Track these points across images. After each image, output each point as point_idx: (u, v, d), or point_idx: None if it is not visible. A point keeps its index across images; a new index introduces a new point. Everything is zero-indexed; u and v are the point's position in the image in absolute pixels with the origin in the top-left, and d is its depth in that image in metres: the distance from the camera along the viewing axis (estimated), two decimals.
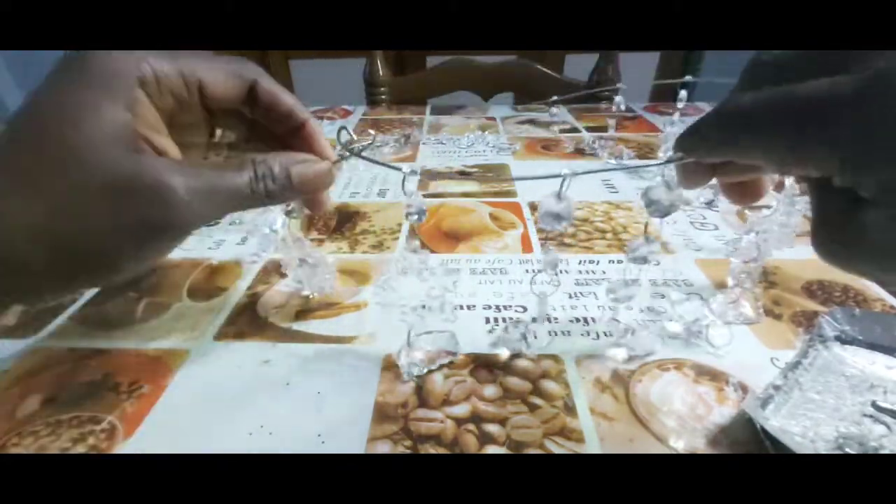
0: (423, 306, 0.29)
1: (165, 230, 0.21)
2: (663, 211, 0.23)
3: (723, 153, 0.18)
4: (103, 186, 0.19)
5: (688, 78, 0.52)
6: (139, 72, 0.20)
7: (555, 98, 0.60)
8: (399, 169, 0.23)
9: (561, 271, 0.37)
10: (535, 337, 0.30)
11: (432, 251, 0.40)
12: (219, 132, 0.26)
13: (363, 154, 0.25)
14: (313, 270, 0.33)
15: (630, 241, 0.26)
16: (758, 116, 0.16)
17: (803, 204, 0.34)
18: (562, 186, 0.22)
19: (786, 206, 0.34)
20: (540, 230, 0.43)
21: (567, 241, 0.41)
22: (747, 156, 0.18)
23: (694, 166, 0.21)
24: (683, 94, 0.52)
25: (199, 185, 0.20)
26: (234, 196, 0.22)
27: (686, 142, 0.20)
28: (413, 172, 0.23)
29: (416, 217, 0.25)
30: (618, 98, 0.57)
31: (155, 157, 0.21)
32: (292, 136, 0.26)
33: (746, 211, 0.43)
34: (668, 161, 0.21)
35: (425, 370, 0.27)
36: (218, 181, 0.21)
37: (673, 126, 0.54)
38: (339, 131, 0.26)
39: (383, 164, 0.25)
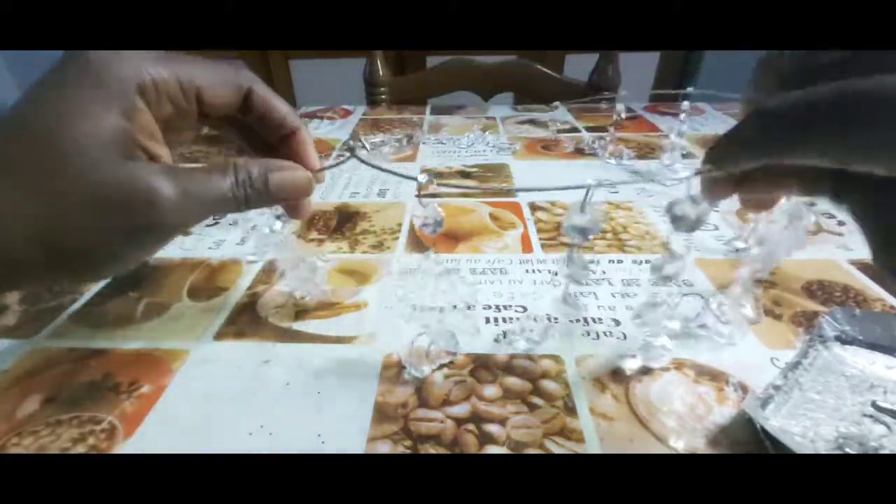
0: (441, 309, 0.29)
1: (153, 232, 0.21)
2: (690, 226, 0.22)
3: (771, 156, 0.17)
4: (94, 190, 0.19)
5: (690, 90, 0.52)
6: (139, 79, 0.20)
7: (556, 104, 0.60)
8: (414, 178, 0.23)
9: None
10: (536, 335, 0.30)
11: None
12: (205, 129, 0.27)
13: (374, 162, 0.25)
14: (305, 273, 0.33)
15: (653, 259, 0.25)
16: (823, 112, 0.15)
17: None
18: (586, 197, 0.22)
19: (792, 218, 0.33)
20: (546, 235, 0.43)
21: (567, 241, 0.41)
22: (802, 156, 0.16)
23: (719, 179, 0.20)
24: (686, 104, 0.52)
25: (186, 190, 0.21)
26: (218, 201, 0.22)
27: (720, 152, 0.19)
28: (430, 180, 0.23)
29: (431, 230, 0.24)
30: (619, 106, 0.58)
31: (146, 165, 0.21)
32: (283, 142, 0.26)
33: (749, 215, 0.43)
34: (697, 174, 0.20)
35: (428, 371, 0.27)
36: (203, 186, 0.22)
37: (681, 137, 0.53)
38: (350, 136, 0.26)
39: (398, 174, 0.24)
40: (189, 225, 0.22)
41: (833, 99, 0.15)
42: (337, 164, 0.28)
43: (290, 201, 0.26)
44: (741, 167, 0.19)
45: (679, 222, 0.22)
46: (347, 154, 0.26)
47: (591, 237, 0.23)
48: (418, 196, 0.23)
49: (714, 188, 0.21)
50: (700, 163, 0.20)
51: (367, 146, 0.25)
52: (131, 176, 0.20)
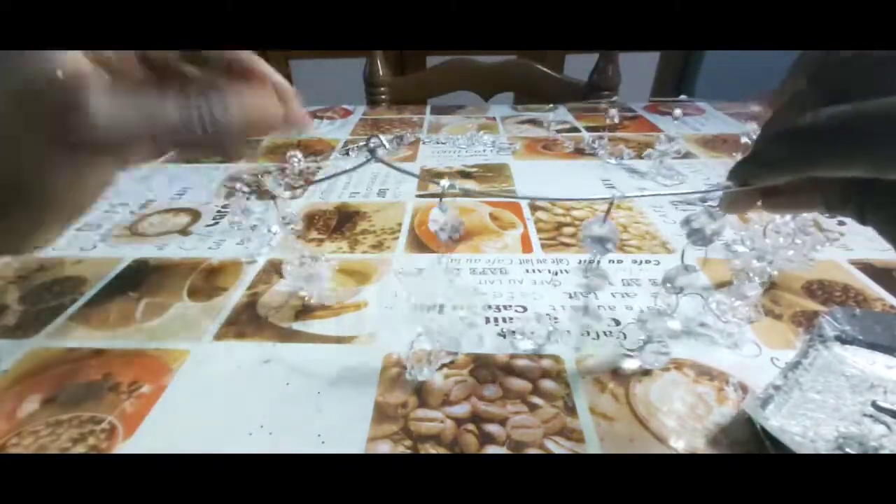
0: (441, 309, 0.28)
1: (76, 132, 0.18)
2: (706, 240, 0.22)
3: (801, 171, 0.17)
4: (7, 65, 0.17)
5: (682, 97, 0.56)
6: None
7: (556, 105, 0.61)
8: (438, 186, 0.22)
9: (561, 271, 0.37)
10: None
11: (433, 251, 0.40)
12: None
13: (388, 160, 0.24)
14: (310, 274, 0.33)
15: (667, 270, 0.25)
16: (873, 125, 0.15)
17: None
18: (609, 210, 0.22)
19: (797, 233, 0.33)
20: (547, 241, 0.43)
21: (567, 241, 0.41)
22: (843, 168, 0.16)
23: (743, 194, 0.21)
24: (679, 112, 0.56)
25: (122, 94, 0.18)
26: (161, 119, 0.19)
27: (745, 169, 0.19)
28: (452, 186, 0.22)
29: (447, 235, 0.23)
30: (612, 112, 0.58)
31: (77, 55, 0.18)
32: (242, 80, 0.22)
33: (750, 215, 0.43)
34: (720, 189, 0.21)
35: (430, 374, 0.27)
36: (145, 96, 0.19)
37: (671, 142, 0.54)
38: (369, 140, 0.25)
39: (408, 174, 0.24)
40: (119, 140, 0.19)
41: (884, 113, 0.15)
42: (357, 168, 0.27)
43: (257, 131, 0.22)
44: (766, 184, 0.19)
45: (695, 236, 0.22)
46: (369, 156, 0.25)
47: (610, 248, 0.23)
48: (440, 206, 0.22)
49: (735, 202, 0.21)
50: (726, 178, 0.20)
51: (387, 145, 0.24)
52: (55, 55, 0.17)
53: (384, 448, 0.23)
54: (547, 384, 0.27)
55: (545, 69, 0.97)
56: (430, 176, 0.55)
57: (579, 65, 1.09)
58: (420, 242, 0.41)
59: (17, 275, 0.38)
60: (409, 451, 0.23)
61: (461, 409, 0.25)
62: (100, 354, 0.30)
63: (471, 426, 0.24)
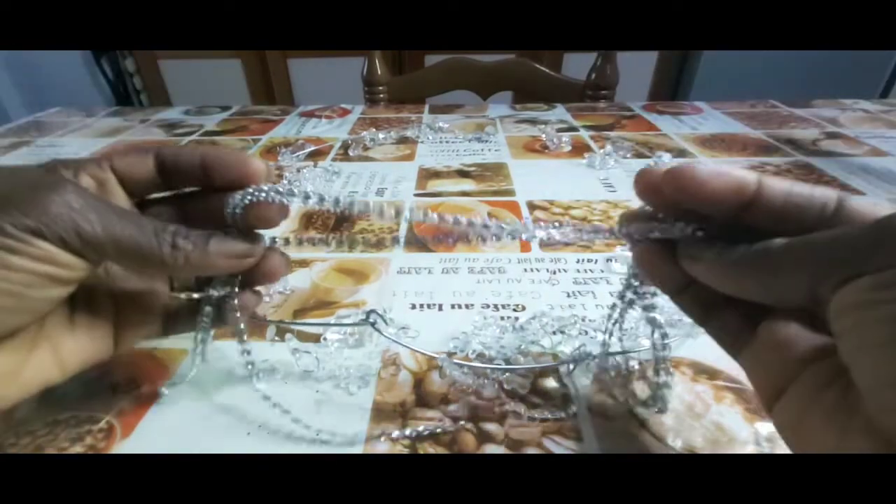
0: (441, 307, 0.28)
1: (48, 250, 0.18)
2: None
3: (728, 287, 0.18)
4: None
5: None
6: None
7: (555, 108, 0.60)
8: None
9: (559, 270, 0.37)
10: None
11: (432, 251, 0.40)
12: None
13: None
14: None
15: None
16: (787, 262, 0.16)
17: None
18: None
19: None
20: None
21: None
22: (753, 294, 0.17)
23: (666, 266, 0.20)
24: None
25: (98, 206, 0.19)
26: (137, 236, 0.19)
27: (693, 252, 0.19)
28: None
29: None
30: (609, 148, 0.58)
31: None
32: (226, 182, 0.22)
33: None
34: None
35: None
36: (122, 214, 0.19)
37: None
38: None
39: None
40: (93, 257, 0.19)
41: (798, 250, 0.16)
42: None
43: (229, 269, 0.23)
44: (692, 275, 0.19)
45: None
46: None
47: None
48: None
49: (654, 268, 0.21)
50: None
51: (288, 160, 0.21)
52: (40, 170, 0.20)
53: (383, 448, 0.23)
54: (546, 383, 0.27)
55: (544, 69, 0.97)
56: (429, 175, 0.55)
57: (579, 64, 1.09)
58: (419, 242, 0.41)
59: None
60: (407, 451, 0.23)
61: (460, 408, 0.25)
62: None
63: (469, 425, 0.24)
